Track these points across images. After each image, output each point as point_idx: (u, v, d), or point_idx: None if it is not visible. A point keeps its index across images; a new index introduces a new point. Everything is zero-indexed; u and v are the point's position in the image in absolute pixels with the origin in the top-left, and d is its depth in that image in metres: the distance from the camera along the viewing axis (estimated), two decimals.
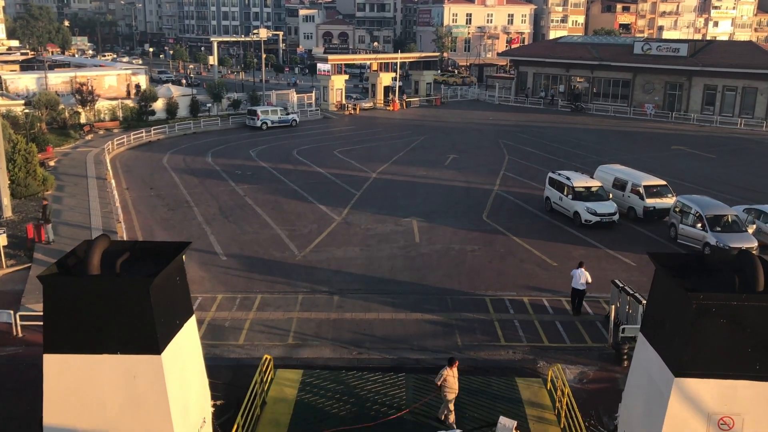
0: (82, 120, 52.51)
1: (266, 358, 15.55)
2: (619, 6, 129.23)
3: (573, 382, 16.88)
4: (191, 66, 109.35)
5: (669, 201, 29.39)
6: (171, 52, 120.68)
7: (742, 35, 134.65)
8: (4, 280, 22.73)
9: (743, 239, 25.24)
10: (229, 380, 16.23)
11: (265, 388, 15.16)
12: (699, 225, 26.14)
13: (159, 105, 56.48)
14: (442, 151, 46.76)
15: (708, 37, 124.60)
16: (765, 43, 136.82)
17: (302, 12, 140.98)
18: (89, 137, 49.62)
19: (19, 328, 18.97)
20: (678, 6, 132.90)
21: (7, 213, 28.42)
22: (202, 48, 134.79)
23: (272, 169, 40.67)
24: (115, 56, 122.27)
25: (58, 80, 65.39)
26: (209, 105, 60.79)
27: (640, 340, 10.71)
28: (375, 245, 26.81)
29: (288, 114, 58.02)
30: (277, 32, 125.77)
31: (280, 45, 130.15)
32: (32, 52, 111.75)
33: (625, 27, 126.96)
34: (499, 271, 24.26)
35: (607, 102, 68.42)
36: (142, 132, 50.12)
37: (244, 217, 30.29)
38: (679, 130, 57.66)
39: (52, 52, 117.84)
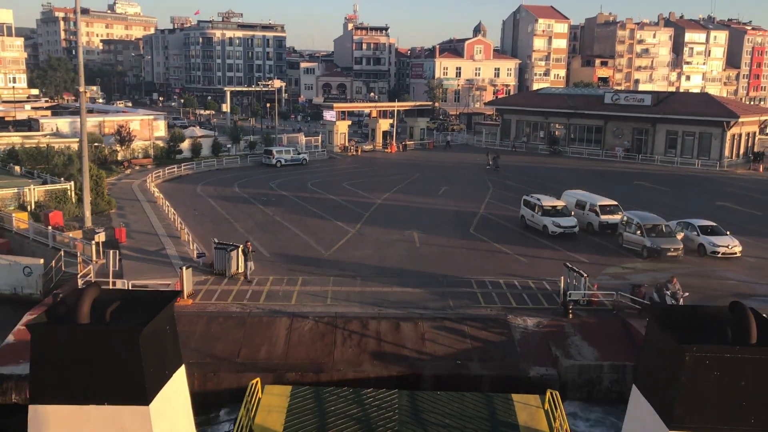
0: (119, 157, 59.81)
1: (253, 384, 15.47)
2: (597, 61, 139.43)
3: (533, 327, 23.91)
4: (205, 113, 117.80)
5: (620, 217, 36.78)
6: (182, 100, 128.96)
7: (713, 88, 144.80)
8: (103, 268, 29.55)
9: (671, 242, 32.59)
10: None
11: (252, 416, 14.74)
12: (638, 232, 33.47)
13: (185, 145, 64.02)
14: (436, 184, 54.23)
15: (681, 90, 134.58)
16: (733, 96, 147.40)
17: (303, 65, 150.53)
18: (128, 171, 56.88)
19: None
20: (652, 61, 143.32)
21: (88, 223, 35.39)
22: (209, 97, 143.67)
23: (292, 196, 47.93)
24: (128, 104, 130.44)
25: (88, 124, 72.97)
26: (229, 146, 68.44)
27: (633, 392, 10.63)
28: (384, 248, 33.95)
29: (299, 154, 65.62)
30: (281, 83, 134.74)
31: (283, 95, 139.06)
32: (50, 100, 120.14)
33: (604, 80, 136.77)
34: (482, 264, 31.42)
35: (582, 146, 76.54)
36: (173, 168, 57.42)
37: (277, 230, 37.39)
38: (643, 169, 65.51)
39: (68, 100, 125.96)
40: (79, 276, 26.50)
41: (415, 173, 60.35)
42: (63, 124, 71.90)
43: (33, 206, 37.26)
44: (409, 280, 28.63)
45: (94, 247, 29.46)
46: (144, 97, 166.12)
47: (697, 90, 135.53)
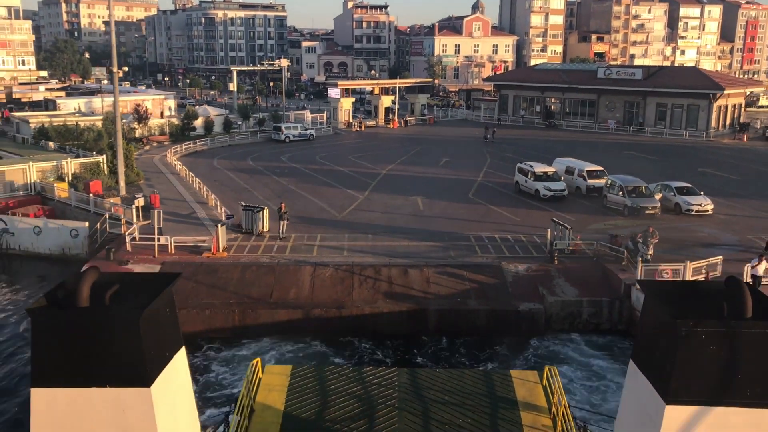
0: (137, 134, 63.19)
1: (254, 364, 15.52)
2: (594, 36, 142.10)
3: (523, 271, 27.64)
4: (211, 92, 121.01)
5: (605, 181, 40.37)
6: (188, 80, 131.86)
7: (707, 62, 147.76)
8: (144, 228, 33.18)
9: (650, 201, 36.27)
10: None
11: (252, 395, 14.92)
12: (620, 193, 37.12)
13: (199, 123, 67.39)
14: (437, 156, 57.75)
15: (676, 64, 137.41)
16: (727, 69, 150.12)
17: (305, 44, 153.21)
18: (147, 147, 60.34)
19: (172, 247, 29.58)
20: (648, 36, 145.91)
21: (123, 192, 39.02)
22: (213, 77, 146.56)
23: (303, 168, 51.50)
24: (133, 84, 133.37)
25: (104, 104, 76.32)
26: (239, 123, 71.82)
27: (630, 367, 10.78)
28: (392, 211, 37.62)
29: (306, 130, 69.05)
30: (287, 62, 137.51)
31: (286, 74, 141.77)
32: (59, 82, 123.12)
33: (600, 55, 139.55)
34: (479, 222, 35.11)
35: (576, 119, 79.90)
36: (189, 144, 60.91)
37: (293, 197, 40.98)
38: (634, 140, 68.95)
39: (75, 81, 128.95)
40: (126, 234, 30.21)
41: (417, 146, 63.83)
42: (80, 103, 75.24)
43: (70, 177, 40.84)
44: (415, 236, 32.36)
45: (134, 210, 33.08)
46: (148, 78, 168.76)
47: (691, 64, 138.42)
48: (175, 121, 67.11)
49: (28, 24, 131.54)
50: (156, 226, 29.24)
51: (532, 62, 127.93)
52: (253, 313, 25.12)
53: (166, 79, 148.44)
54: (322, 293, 26.25)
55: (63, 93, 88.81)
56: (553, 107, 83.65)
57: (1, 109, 79.62)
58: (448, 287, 26.67)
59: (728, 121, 74.08)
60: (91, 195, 36.21)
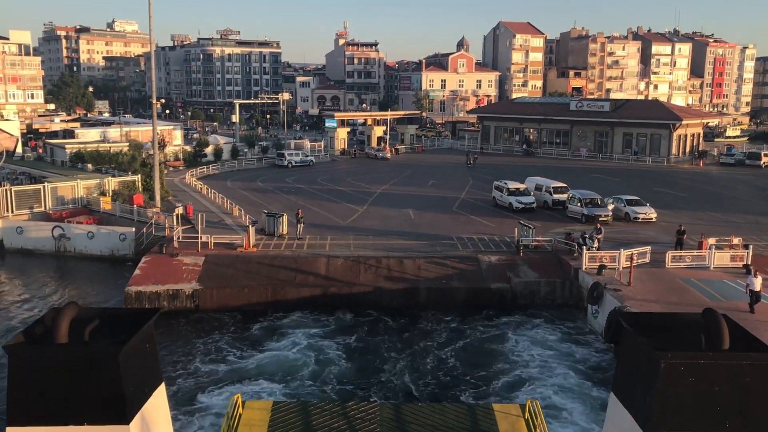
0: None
1: (234, 399, 15.41)
2: (571, 72, 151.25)
3: (495, 261, 34.62)
4: (214, 124, 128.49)
5: (559, 196, 47.62)
6: (189, 113, 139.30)
7: (679, 96, 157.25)
8: (185, 231, 39.88)
9: (603, 210, 43.54)
10: None
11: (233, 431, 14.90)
12: (579, 204, 44.38)
13: (209, 150, 74.45)
14: (425, 178, 64.96)
15: (649, 98, 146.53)
16: (698, 103, 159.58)
17: (299, 79, 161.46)
18: (165, 171, 67.16)
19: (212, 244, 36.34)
20: (622, 71, 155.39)
21: (158, 205, 45.82)
22: (212, 110, 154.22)
23: (307, 188, 58.48)
24: (136, 116, 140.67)
25: (115, 133, 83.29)
26: (245, 150, 78.95)
27: (611, 400, 10.96)
28: (387, 220, 44.60)
29: (307, 156, 76.23)
30: (278, 96, 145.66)
31: (282, 106, 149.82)
32: (67, 114, 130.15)
33: (578, 90, 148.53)
34: (461, 227, 42.17)
35: (551, 147, 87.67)
36: (203, 168, 67.84)
37: (303, 210, 47.81)
38: (603, 165, 76.61)
39: (80, 114, 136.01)
40: (174, 233, 36.99)
41: (407, 171, 71.10)
42: (96, 133, 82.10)
43: (110, 193, 47.60)
44: (408, 237, 39.32)
45: (175, 217, 39.85)
46: (147, 111, 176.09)
47: (664, 98, 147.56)
48: (188, 148, 74.10)
49: (38, 60, 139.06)
50: (200, 227, 36.03)
51: (514, 96, 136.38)
52: (283, 291, 31.90)
53: (167, 111, 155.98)
54: (335, 277, 33.08)
55: (78, 124, 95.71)
56: (531, 137, 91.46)
57: (22, 139, 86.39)
58: (435, 272, 33.58)
59: (688, 149, 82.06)
60: (135, 206, 42.97)
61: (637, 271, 31.19)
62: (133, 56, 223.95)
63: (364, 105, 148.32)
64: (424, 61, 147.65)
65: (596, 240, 34.64)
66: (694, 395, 9.38)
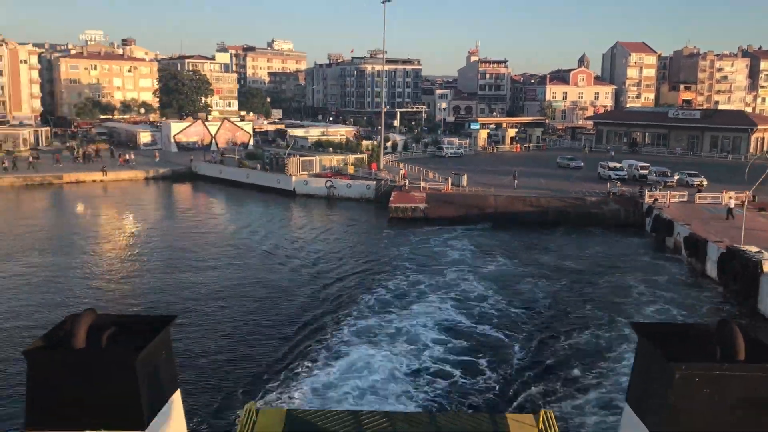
0: None
1: (248, 407, 15.16)
2: (682, 86, 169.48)
3: (595, 200, 59.60)
4: (368, 128, 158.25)
5: (647, 171, 71.19)
6: (351, 120, 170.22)
7: None
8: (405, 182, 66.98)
9: (669, 178, 66.91)
10: None
11: None
12: (654, 175, 67.96)
13: (389, 144, 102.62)
14: (549, 165, 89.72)
15: (756, 110, 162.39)
16: None
17: (438, 91, 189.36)
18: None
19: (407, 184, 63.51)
20: (730, 86, 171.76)
21: (383, 170, 73.58)
22: (365, 117, 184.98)
23: (461, 167, 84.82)
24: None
25: (318, 131, 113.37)
26: (414, 145, 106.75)
27: (626, 410, 11.10)
28: (525, 183, 69.98)
29: (458, 149, 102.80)
30: (422, 105, 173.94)
31: (423, 115, 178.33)
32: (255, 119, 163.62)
33: (687, 102, 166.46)
34: (577, 187, 67.01)
35: (653, 147, 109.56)
36: (386, 156, 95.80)
37: (466, 176, 74.06)
38: (692, 160, 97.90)
39: (260, 119, 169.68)
40: (405, 182, 64.39)
41: (533, 160, 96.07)
42: (318, 131, 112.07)
43: (350, 165, 76.07)
44: (539, 190, 64.64)
45: (400, 176, 67.30)
46: (308, 118, 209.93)
47: None
48: (374, 143, 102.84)
49: (234, 76, 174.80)
50: (421, 178, 63.28)
51: (628, 107, 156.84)
52: (470, 210, 58.40)
53: (330, 119, 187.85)
54: (499, 205, 59.16)
55: (282, 125, 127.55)
56: (637, 139, 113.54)
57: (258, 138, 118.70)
58: (558, 204, 58.84)
59: (765, 148, 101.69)
60: (373, 170, 71.12)
61: (675, 203, 55.22)
62: (290, 71, 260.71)
63: (495, 113, 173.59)
64: (548, 75, 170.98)
65: (660, 188, 58.68)
66: (708, 406, 9.40)
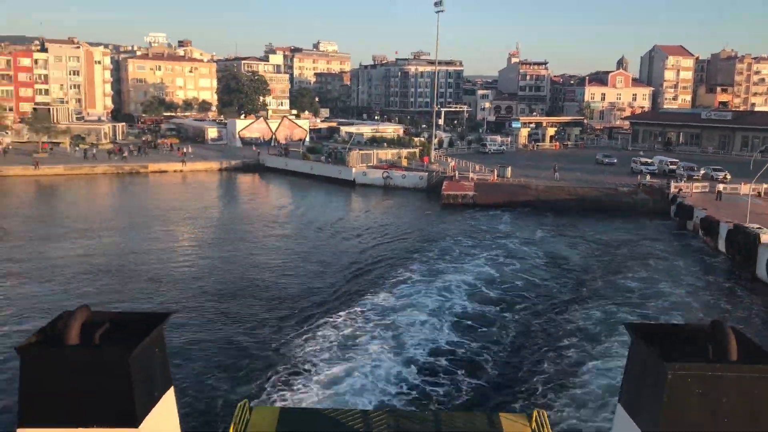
0: None
1: (241, 405, 15.19)
2: (719, 88, 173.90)
3: (626, 190, 66.86)
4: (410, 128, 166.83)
5: (676, 167, 77.95)
6: (396, 119, 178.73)
7: None
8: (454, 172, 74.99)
9: (696, 172, 73.74)
10: None
11: None
12: (682, 169, 74.84)
13: (437, 141, 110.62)
14: (586, 161, 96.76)
15: None
16: None
17: (480, 92, 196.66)
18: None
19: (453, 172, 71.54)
20: None
21: (434, 162, 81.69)
22: (408, 117, 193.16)
23: (506, 160, 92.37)
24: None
25: (367, 129, 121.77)
26: (458, 142, 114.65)
27: (618, 410, 11.08)
28: (564, 176, 77.39)
29: (500, 146, 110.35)
30: (464, 105, 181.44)
31: (465, 114, 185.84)
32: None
33: (724, 104, 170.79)
34: (610, 180, 74.27)
35: (686, 146, 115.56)
36: (435, 151, 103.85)
37: (510, 167, 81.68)
38: (722, 158, 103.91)
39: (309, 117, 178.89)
40: (455, 173, 72.45)
41: (572, 158, 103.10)
42: (369, 129, 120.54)
43: (404, 158, 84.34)
44: (577, 181, 72.02)
45: (450, 167, 75.32)
46: (354, 117, 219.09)
47: None
48: (423, 139, 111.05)
49: (286, 77, 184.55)
50: (470, 170, 71.28)
51: (664, 108, 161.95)
52: (514, 197, 66.20)
53: (376, 117, 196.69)
54: (540, 192, 66.82)
55: (334, 123, 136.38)
56: (671, 138, 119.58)
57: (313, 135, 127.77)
58: (593, 192, 66.25)
59: None
60: (425, 163, 79.33)
61: (697, 193, 62.30)
62: (335, 72, 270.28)
63: (535, 113, 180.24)
64: (587, 77, 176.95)
65: (685, 179, 65.69)
66: (701, 406, 9.46)
